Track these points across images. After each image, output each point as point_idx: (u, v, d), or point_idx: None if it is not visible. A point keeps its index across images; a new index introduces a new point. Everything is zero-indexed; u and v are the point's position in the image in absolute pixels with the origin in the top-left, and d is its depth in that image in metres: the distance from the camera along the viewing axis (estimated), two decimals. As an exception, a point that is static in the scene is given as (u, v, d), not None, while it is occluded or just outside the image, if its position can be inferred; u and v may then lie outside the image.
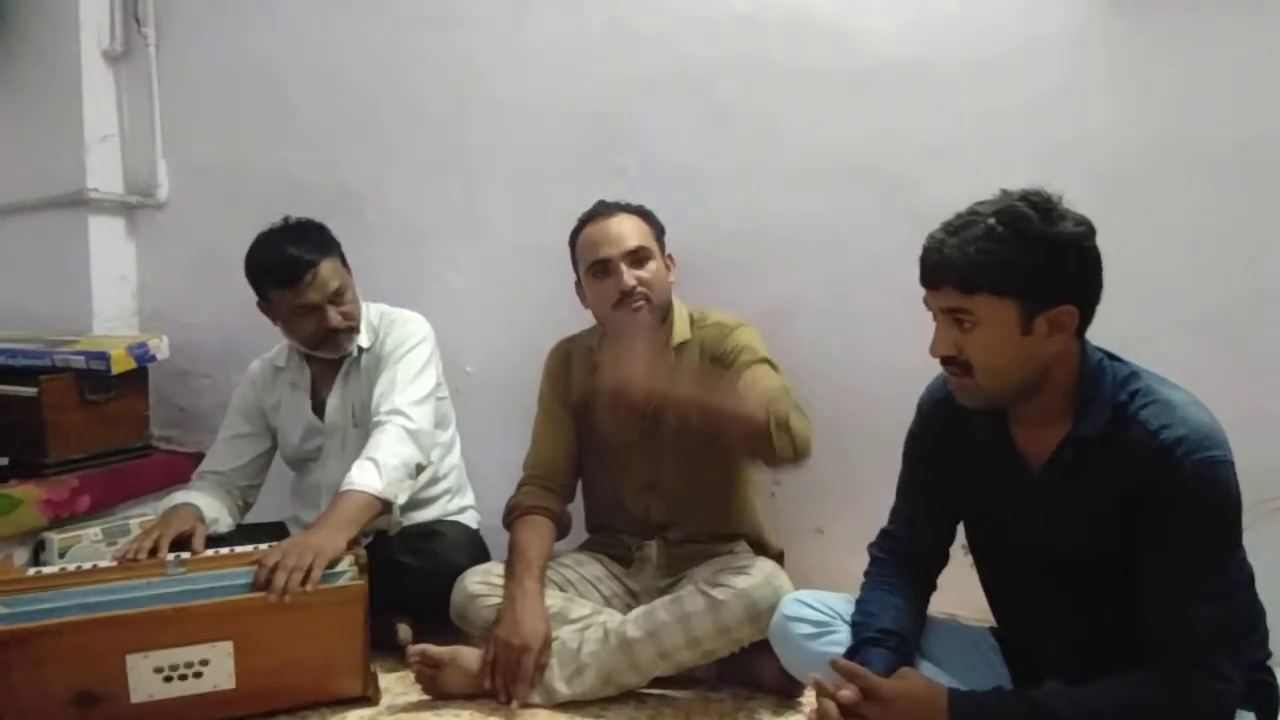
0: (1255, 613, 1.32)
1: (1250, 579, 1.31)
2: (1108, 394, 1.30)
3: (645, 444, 1.99)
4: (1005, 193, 1.29)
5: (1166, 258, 1.87)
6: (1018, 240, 1.23)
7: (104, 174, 2.93)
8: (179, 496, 2.11)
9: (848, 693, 1.28)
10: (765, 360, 1.89)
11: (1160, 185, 1.88)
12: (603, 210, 1.98)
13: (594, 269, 1.94)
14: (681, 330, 1.98)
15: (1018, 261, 1.23)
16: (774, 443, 1.61)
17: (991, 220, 1.25)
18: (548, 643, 1.79)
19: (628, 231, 1.93)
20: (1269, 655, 1.35)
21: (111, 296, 2.96)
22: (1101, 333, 1.35)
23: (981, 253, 1.24)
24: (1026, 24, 1.99)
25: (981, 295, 1.26)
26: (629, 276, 1.89)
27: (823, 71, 2.16)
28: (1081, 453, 1.31)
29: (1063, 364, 1.31)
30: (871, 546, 1.59)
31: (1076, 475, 1.32)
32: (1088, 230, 1.26)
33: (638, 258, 1.92)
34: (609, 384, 1.59)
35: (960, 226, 1.27)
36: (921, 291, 1.35)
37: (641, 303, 1.90)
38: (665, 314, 1.98)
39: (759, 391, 1.72)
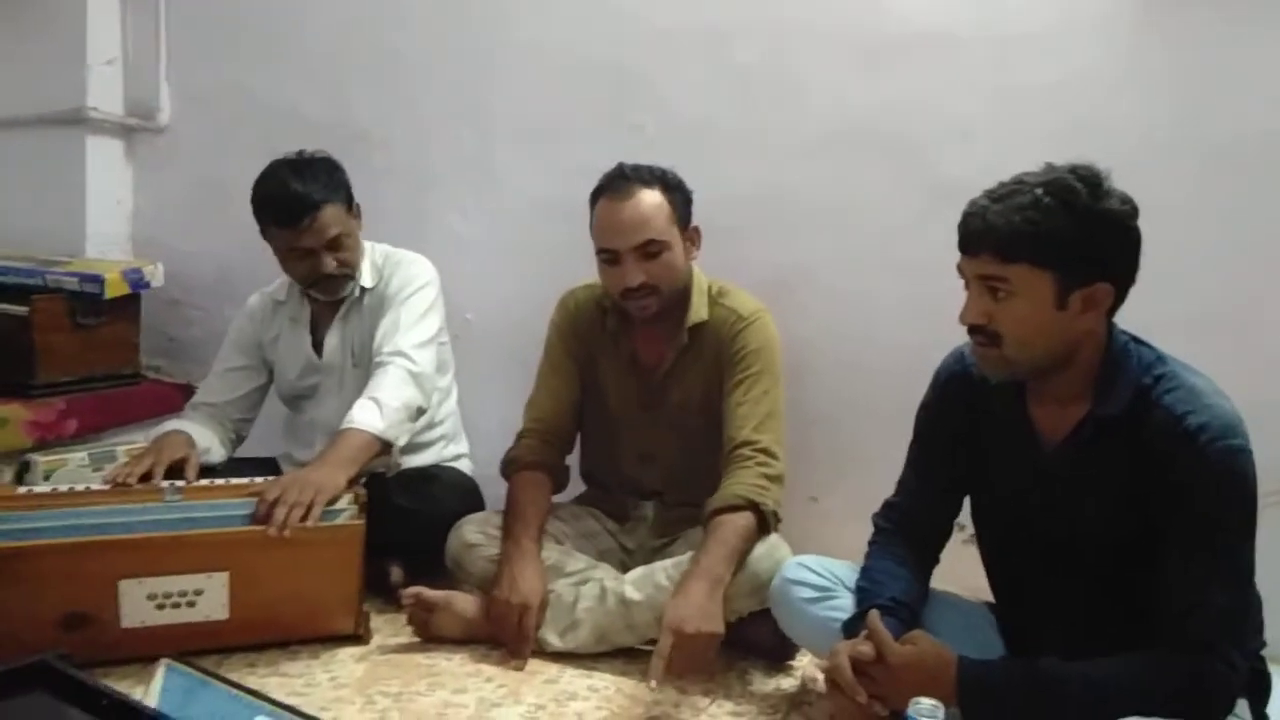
0: (1255, 603, 1.34)
1: (1252, 570, 1.33)
2: (1131, 376, 1.30)
3: (644, 415, 1.99)
4: (1052, 165, 1.28)
5: (1181, 250, 1.86)
6: (1064, 212, 1.23)
7: (105, 95, 2.86)
8: (171, 424, 2.09)
9: (866, 649, 1.29)
10: (765, 371, 1.88)
11: (1180, 177, 1.87)
12: (622, 185, 1.84)
13: (602, 255, 1.88)
14: (699, 310, 1.92)
15: (1061, 234, 1.23)
16: (769, 528, 1.77)
17: (1039, 190, 1.24)
18: (545, 602, 1.79)
19: (644, 219, 1.82)
20: (1264, 645, 1.37)
21: (106, 220, 2.90)
22: (1119, 322, 1.35)
23: (1026, 221, 1.23)
24: (1057, 4, 1.97)
25: (1020, 265, 1.25)
26: (636, 274, 1.82)
27: (847, 38, 2.14)
28: (1100, 433, 1.31)
29: (1090, 342, 1.31)
30: (876, 516, 1.60)
31: (1092, 456, 1.33)
32: (1133, 209, 1.26)
33: (648, 252, 1.83)
34: (669, 637, 1.58)
35: (1005, 194, 1.26)
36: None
37: (648, 298, 1.85)
38: (682, 297, 1.92)
39: (739, 487, 1.76)
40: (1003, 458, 1.44)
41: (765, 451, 1.80)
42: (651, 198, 1.84)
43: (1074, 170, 1.26)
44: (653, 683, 1.57)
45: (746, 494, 1.74)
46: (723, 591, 1.66)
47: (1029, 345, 1.29)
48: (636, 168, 1.88)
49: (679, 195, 1.89)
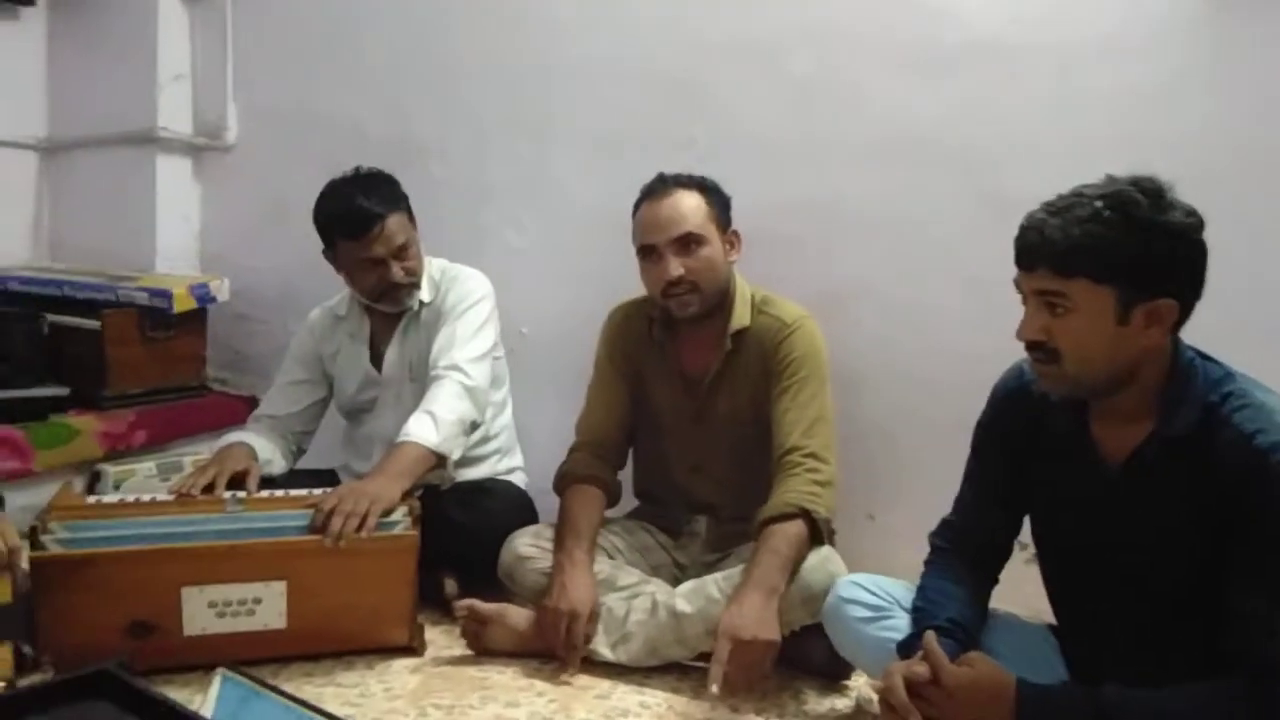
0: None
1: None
2: (1198, 394, 1.26)
3: (694, 426, 1.98)
4: (1112, 177, 1.25)
5: (1254, 263, 1.81)
6: (1124, 225, 1.19)
7: (174, 113, 2.95)
8: (234, 436, 2.14)
9: (922, 670, 1.27)
10: (812, 375, 1.87)
11: (1252, 190, 1.81)
12: (660, 188, 1.91)
13: (643, 253, 1.91)
14: (741, 316, 1.93)
15: (1122, 248, 1.19)
16: (822, 536, 1.75)
17: (1099, 203, 1.20)
18: (595, 612, 1.79)
19: (682, 215, 1.86)
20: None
21: (174, 237, 2.99)
22: (1186, 338, 1.31)
23: (1086, 235, 1.20)
24: (1123, 12, 1.92)
25: (1079, 280, 1.21)
26: (675, 266, 1.85)
27: (904, 47, 2.11)
28: (1165, 453, 1.27)
29: (1154, 359, 1.27)
30: (933, 535, 1.56)
31: (1157, 476, 1.28)
32: (1198, 222, 1.22)
33: (686, 244, 1.86)
34: (726, 644, 1.58)
35: (1064, 207, 1.23)
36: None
37: (689, 294, 1.87)
38: (722, 298, 1.93)
39: (789, 495, 1.75)
40: (1063, 477, 1.40)
41: (814, 456, 1.79)
42: (690, 197, 1.89)
43: (1135, 182, 1.22)
44: (714, 687, 1.56)
45: (797, 501, 1.73)
46: (777, 602, 1.64)
47: (1089, 362, 1.26)
48: (676, 175, 1.94)
49: (717, 198, 1.93)
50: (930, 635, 1.33)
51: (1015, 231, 1.30)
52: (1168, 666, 1.24)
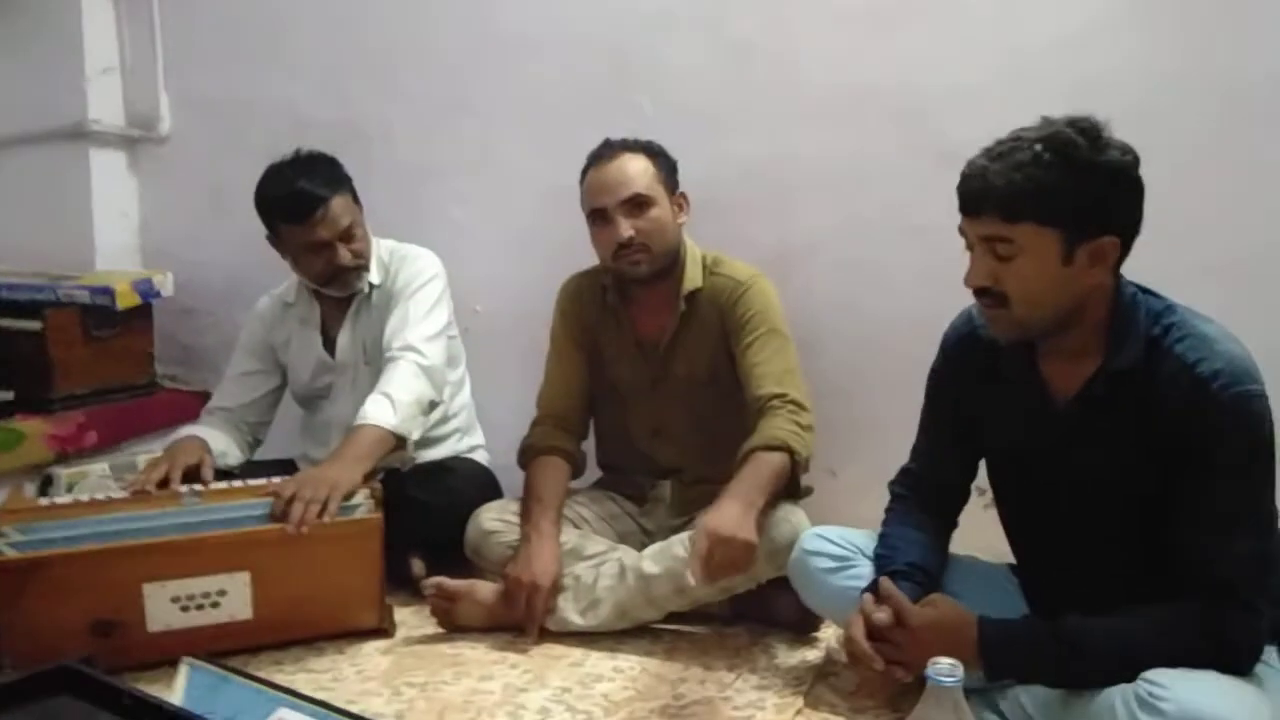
0: (1277, 548, 1.32)
1: (1275, 516, 1.31)
2: (1141, 328, 1.28)
3: (653, 390, 1.99)
4: (1048, 119, 1.26)
5: (1194, 198, 1.84)
6: (1065, 167, 1.21)
7: (105, 106, 2.86)
8: (186, 431, 2.11)
9: (882, 615, 1.29)
10: (774, 330, 1.88)
11: (1189, 123, 1.85)
12: (606, 152, 1.92)
13: (592, 217, 1.92)
14: (693, 277, 1.95)
15: (1064, 189, 1.21)
16: (798, 476, 1.77)
17: (1038, 146, 1.22)
18: (558, 584, 1.80)
19: (628, 177, 1.87)
20: (1289, 591, 1.36)
21: (113, 233, 2.91)
22: (1126, 273, 1.33)
23: (1028, 180, 1.21)
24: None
25: (1025, 224, 1.23)
26: (625, 228, 1.86)
27: (845, 7, 2.12)
28: (1112, 387, 1.30)
29: (1098, 297, 1.29)
30: (892, 483, 1.59)
31: (1106, 410, 1.31)
32: (1134, 159, 1.24)
33: (636, 205, 1.87)
34: (705, 539, 1.55)
35: (1004, 152, 1.24)
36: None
37: (639, 254, 1.88)
38: (673, 260, 1.94)
39: (775, 430, 1.75)
40: (1015, 417, 1.42)
41: (795, 404, 1.80)
42: (636, 160, 1.90)
43: (1072, 123, 1.24)
44: (691, 578, 1.56)
45: (783, 437, 1.73)
46: (755, 515, 1.62)
47: (1037, 304, 1.28)
48: (622, 139, 1.94)
49: (663, 161, 1.95)
50: (886, 580, 1.36)
51: (959, 180, 1.32)
52: (1126, 597, 1.27)
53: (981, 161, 1.27)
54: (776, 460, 1.71)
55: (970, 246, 1.32)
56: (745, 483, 1.67)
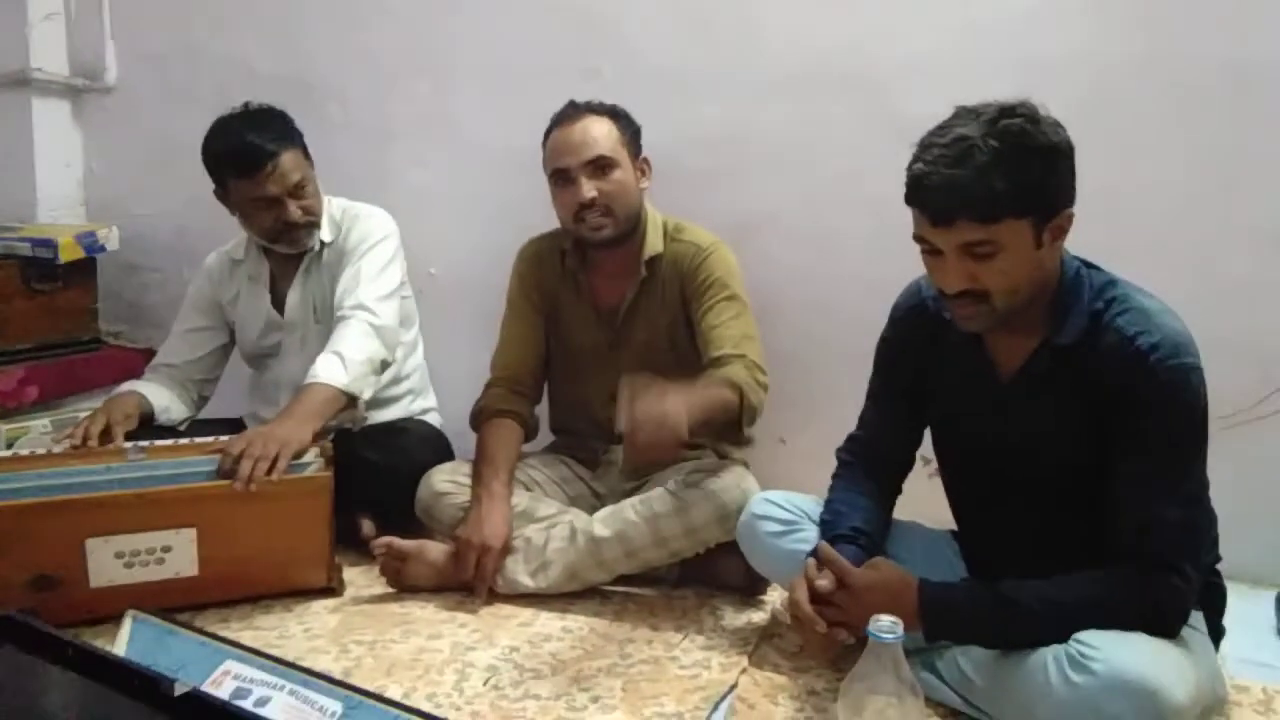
0: (1210, 518, 1.37)
1: (1205, 487, 1.36)
2: (1084, 302, 1.31)
3: (611, 354, 1.99)
4: (971, 109, 1.26)
5: (1140, 180, 1.89)
6: (1027, 157, 1.21)
7: (48, 54, 2.79)
8: (127, 386, 2.08)
9: (824, 582, 1.32)
10: (734, 296, 1.89)
11: (1138, 107, 1.89)
12: (571, 113, 1.91)
13: (555, 177, 1.91)
14: (654, 243, 1.95)
15: (1033, 179, 1.21)
16: (744, 422, 1.74)
17: (993, 143, 1.21)
18: (508, 546, 1.81)
19: (592, 139, 1.87)
20: (1218, 559, 1.41)
21: (56, 184, 2.84)
22: (1073, 252, 1.36)
23: (1001, 178, 1.20)
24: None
25: (1004, 221, 1.22)
26: (588, 189, 1.85)
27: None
28: (1055, 362, 1.33)
29: (1051, 272, 1.32)
30: (839, 450, 1.61)
31: (1047, 384, 1.34)
32: (1065, 129, 1.26)
33: (599, 167, 1.87)
34: (632, 428, 1.48)
35: (959, 156, 1.22)
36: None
37: (602, 217, 1.87)
38: (634, 224, 1.94)
39: (733, 374, 1.73)
40: (960, 388, 1.45)
41: (754, 364, 1.79)
42: (601, 123, 1.90)
43: (1011, 111, 1.23)
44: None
45: (738, 380, 1.71)
46: (686, 415, 1.51)
47: (1016, 293, 1.28)
48: (586, 102, 1.94)
49: (627, 124, 1.94)
50: (825, 544, 1.38)
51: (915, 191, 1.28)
52: (1063, 564, 1.30)
53: (943, 171, 1.22)
54: (729, 394, 1.69)
55: (933, 253, 1.30)
56: (691, 390, 1.60)
